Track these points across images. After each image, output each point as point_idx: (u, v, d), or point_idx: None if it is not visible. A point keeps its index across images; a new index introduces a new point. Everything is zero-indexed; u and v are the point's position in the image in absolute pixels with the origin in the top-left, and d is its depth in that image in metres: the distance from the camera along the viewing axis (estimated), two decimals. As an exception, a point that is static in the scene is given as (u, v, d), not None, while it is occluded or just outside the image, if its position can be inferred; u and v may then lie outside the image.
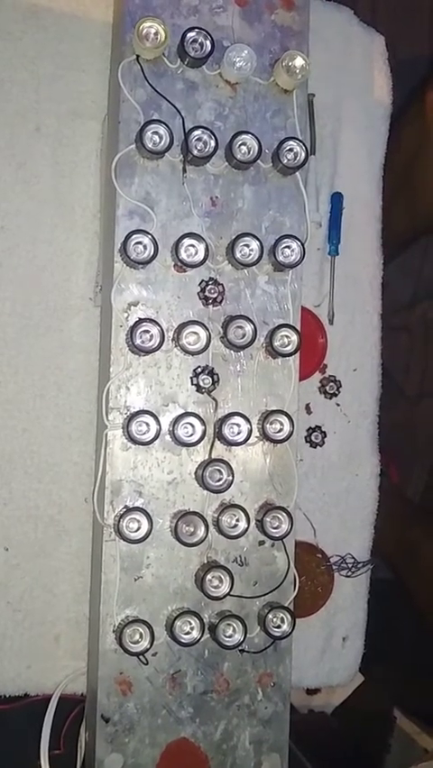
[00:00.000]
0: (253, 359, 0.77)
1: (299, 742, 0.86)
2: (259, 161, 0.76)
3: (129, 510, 0.72)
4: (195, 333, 0.74)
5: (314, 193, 0.94)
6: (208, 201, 0.76)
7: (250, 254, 0.75)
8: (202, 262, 0.74)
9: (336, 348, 0.96)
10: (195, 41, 0.74)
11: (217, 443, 0.75)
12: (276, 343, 0.76)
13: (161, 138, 0.72)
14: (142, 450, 0.74)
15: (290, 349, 0.76)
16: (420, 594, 1.08)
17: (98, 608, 0.73)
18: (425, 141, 1.02)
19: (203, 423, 0.74)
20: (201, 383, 0.75)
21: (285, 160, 0.76)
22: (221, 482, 0.74)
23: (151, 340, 0.72)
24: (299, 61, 0.76)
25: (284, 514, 0.76)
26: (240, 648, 0.75)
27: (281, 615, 0.76)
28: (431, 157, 1.03)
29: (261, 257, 0.75)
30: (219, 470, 0.74)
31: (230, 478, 0.74)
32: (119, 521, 0.71)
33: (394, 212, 1.00)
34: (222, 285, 0.76)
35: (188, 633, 0.73)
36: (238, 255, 0.74)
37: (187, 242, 0.73)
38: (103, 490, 0.73)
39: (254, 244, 0.75)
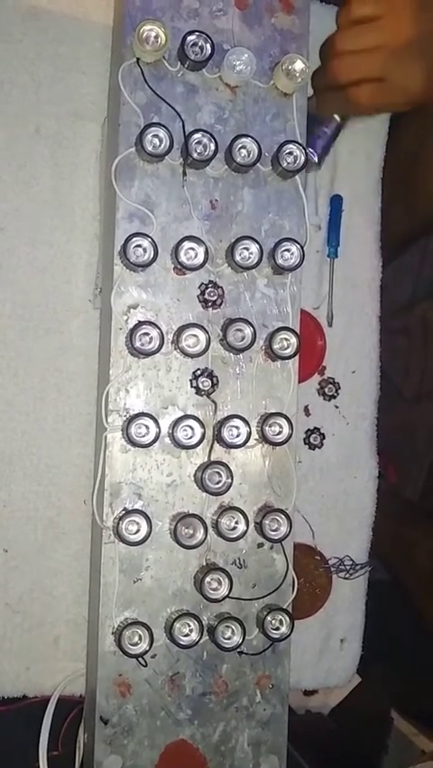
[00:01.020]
0: (252, 361, 0.77)
1: (296, 742, 0.86)
2: (259, 165, 0.76)
3: (128, 512, 0.72)
4: (194, 335, 0.74)
5: (313, 196, 0.94)
6: (208, 204, 0.76)
7: (249, 257, 0.75)
8: (202, 265, 0.74)
9: (335, 350, 0.96)
10: (195, 44, 0.74)
11: (217, 445, 0.76)
12: (275, 346, 0.76)
13: (160, 141, 0.72)
14: (142, 452, 0.74)
15: (289, 352, 0.77)
16: (419, 595, 1.08)
17: (97, 609, 0.73)
18: (425, 142, 1.02)
19: (202, 425, 0.74)
20: (201, 386, 0.75)
21: (285, 164, 0.76)
22: (220, 485, 0.74)
23: (150, 342, 0.72)
24: (298, 65, 0.76)
25: (283, 516, 0.76)
26: (239, 650, 0.75)
27: (280, 617, 0.76)
28: (431, 158, 1.03)
29: (260, 260, 0.75)
30: (218, 473, 0.74)
31: (229, 480, 0.74)
32: (118, 523, 0.72)
33: (393, 213, 1.00)
34: (221, 288, 0.76)
35: (187, 635, 0.73)
36: (238, 258, 0.75)
37: (186, 245, 0.73)
38: (102, 492, 0.74)
39: (254, 247, 0.75)
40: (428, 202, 1.05)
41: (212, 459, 0.75)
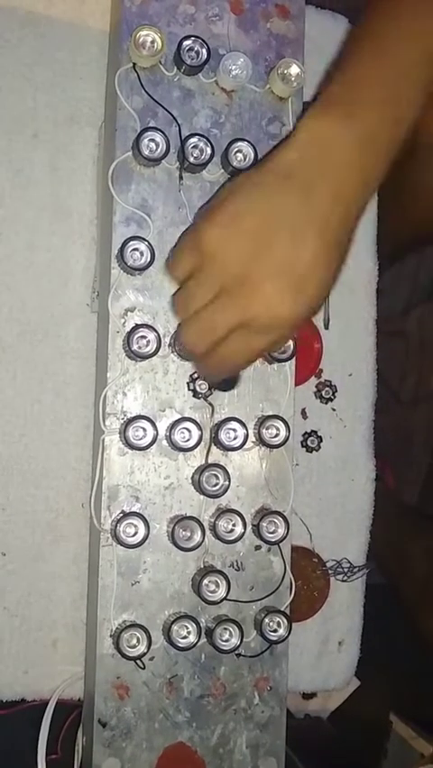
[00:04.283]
0: (249, 364, 0.77)
1: (296, 747, 0.86)
2: (255, 169, 0.76)
3: (126, 515, 0.72)
4: (191, 338, 0.74)
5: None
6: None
7: (246, 260, 0.75)
8: (198, 268, 0.74)
9: (332, 353, 0.96)
10: (191, 49, 0.74)
11: (214, 448, 0.76)
12: (272, 349, 0.76)
13: (157, 145, 0.73)
14: (139, 455, 0.74)
15: (285, 354, 0.77)
16: (413, 601, 1.09)
17: (95, 612, 0.73)
18: (414, 158, 1.03)
19: (199, 428, 0.74)
20: (198, 388, 0.76)
21: (281, 167, 0.76)
22: (217, 487, 0.74)
23: (147, 345, 0.73)
24: (294, 69, 0.77)
25: (280, 518, 0.76)
26: (236, 652, 0.75)
27: (278, 619, 0.76)
28: (421, 172, 1.04)
29: (257, 263, 0.75)
30: (216, 475, 0.74)
31: (226, 483, 0.74)
32: (116, 526, 0.72)
33: (388, 226, 1.01)
34: (218, 291, 0.76)
35: (184, 637, 0.73)
36: (234, 261, 0.75)
37: (183, 248, 0.74)
38: (100, 495, 0.74)
39: (250, 251, 0.75)
40: (419, 216, 1.06)
41: (209, 461, 0.76)
